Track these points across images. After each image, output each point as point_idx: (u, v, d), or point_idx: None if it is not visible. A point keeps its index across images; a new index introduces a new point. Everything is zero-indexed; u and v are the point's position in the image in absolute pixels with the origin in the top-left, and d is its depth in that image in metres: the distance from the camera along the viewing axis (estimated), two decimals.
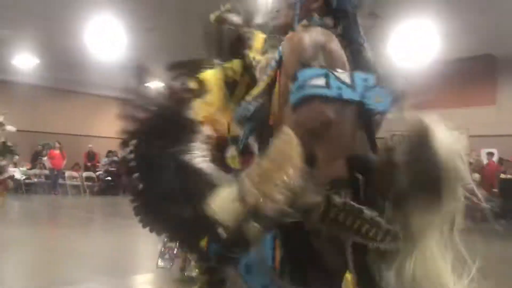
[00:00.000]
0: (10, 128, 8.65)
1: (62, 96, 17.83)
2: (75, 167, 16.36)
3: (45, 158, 16.16)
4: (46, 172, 15.97)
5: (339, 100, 1.32)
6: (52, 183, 15.72)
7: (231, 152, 2.12)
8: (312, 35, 1.46)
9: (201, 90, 1.87)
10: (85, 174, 16.20)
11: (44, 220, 10.34)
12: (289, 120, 1.36)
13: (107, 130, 16.18)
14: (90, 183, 16.21)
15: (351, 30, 1.57)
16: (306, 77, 1.34)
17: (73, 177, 16.00)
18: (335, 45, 1.46)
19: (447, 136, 1.30)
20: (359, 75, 1.38)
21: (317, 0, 1.57)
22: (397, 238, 1.32)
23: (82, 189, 15.83)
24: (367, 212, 1.31)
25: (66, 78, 16.82)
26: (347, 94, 1.34)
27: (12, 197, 11.45)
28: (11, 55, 14.39)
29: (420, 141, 1.29)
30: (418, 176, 1.28)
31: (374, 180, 1.35)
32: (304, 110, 1.34)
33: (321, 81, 1.33)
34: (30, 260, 5.51)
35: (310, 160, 1.34)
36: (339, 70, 1.37)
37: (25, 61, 14.92)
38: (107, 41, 12.37)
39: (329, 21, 1.56)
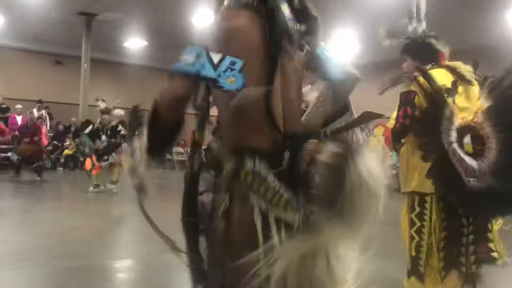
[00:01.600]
0: (118, 112, 8.91)
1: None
2: (181, 143, 17.18)
3: None
4: None
5: (198, 76, 1.48)
6: None
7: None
8: (220, 18, 1.62)
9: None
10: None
11: (155, 192, 11.04)
12: None
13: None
14: None
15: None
16: (184, 54, 1.52)
17: (180, 153, 16.81)
18: (245, 28, 1.57)
19: (369, 166, 1.38)
20: (230, 59, 1.48)
21: None
22: (299, 211, 1.45)
23: None
24: (272, 180, 1.47)
25: (173, 59, 17.57)
26: (206, 71, 1.48)
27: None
28: (123, 38, 15.32)
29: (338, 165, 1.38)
30: (326, 189, 1.39)
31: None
32: (166, 84, 1.56)
33: (190, 59, 1.49)
34: (144, 229, 5.93)
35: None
36: (215, 54, 1.49)
37: (136, 43, 15.83)
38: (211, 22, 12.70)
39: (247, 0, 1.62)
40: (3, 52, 15.82)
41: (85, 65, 14.35)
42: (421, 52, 3.23)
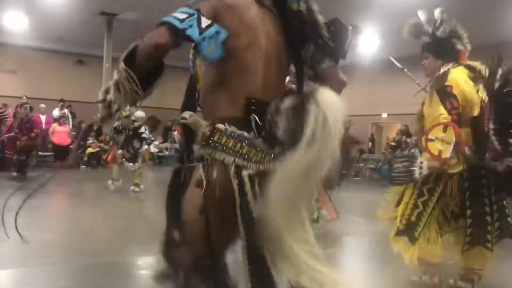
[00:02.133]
0: (138, 113, 8.76)
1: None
2: None
3: (175, 133, 17.30)
4: (176, 146, 17.11)
5: (183, 34, 1.57)
6: None
7: None
8: None
9: None
10: None
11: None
12: None
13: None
14: None
15: None
16: (176, 10, 1.62)
17: None
18: (237, 5, 1.70)
19: (328, 102, 1.53)
20: (216, 28, 1.61)
21: None
22: (275, 160, 1.62)
23: None
24: (248, 137, 1.64)
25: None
26: (191, 32, 1.57)
27: (148, 169, 12.40)
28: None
29: (300, 103, 1.56)
30: (291, 130, 1.56)
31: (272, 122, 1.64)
32: (152, 31, 1.62)
33: (181, 16, 1.59)
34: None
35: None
36: (205, 19, 1.60)
37: None
38: None
39: None
40: (27, 52, 16.10)
41: (107, 65, 14.49)
42: (443, 51, 3.47)
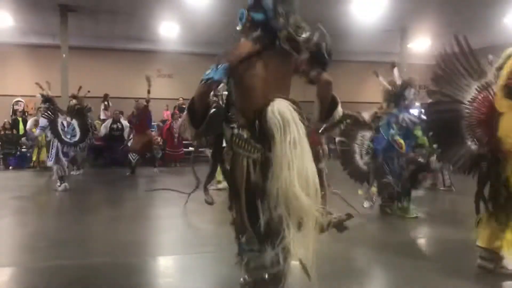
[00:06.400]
0: None
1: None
2: None
3: None
4: None
5: (208, 80, 2.71)
6: None
7: None
8: (236, 46, 2.84)
9: None
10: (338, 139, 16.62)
11: None
12: None
13: (373, 96, 16.36)
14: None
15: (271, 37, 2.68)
16: (210, 68, 2.74)
17: None
18: (246, 49, 2.71)
19: (279, 109, 2.54)
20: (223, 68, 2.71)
21: (247, 25, 2.83)
22: (261, 152, 2.60)
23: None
24: (246, 136, 2.65)
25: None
26: (209, 75, 2.72)
27: None
28: None
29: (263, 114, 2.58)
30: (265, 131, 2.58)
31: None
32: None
33: (208, 71, 2.71)
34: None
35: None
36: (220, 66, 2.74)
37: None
38: (369, 7, 12.47)
39: (256, 34, 2.72)
40: (180, 57, 17.45)
41: None
42: None
